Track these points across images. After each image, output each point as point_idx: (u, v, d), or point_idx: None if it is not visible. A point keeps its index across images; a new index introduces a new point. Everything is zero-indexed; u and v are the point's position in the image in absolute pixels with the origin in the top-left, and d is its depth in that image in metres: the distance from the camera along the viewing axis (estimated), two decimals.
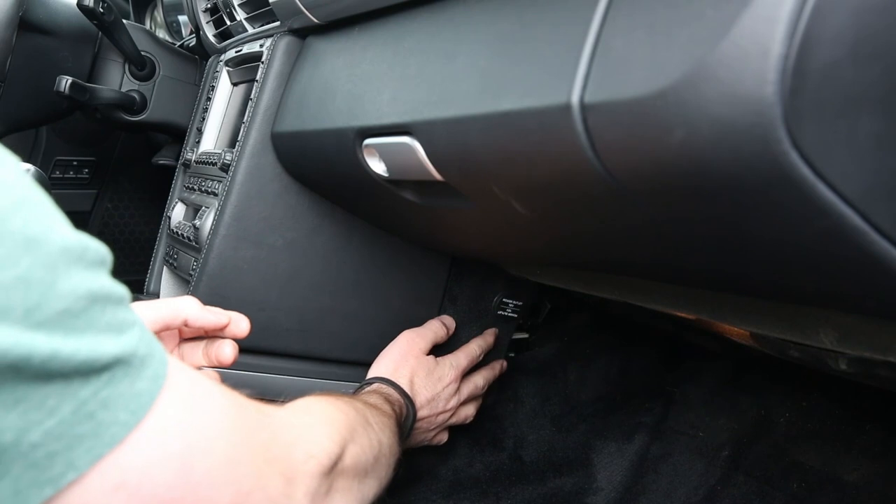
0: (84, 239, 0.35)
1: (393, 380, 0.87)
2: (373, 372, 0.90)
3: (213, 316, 0.67)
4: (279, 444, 0.47)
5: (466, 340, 1.02)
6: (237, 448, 0.42)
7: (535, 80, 0.44)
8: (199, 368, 0.68)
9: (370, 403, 0.74)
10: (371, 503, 0.60)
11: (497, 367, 1.05)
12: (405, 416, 0.84)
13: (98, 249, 0.36)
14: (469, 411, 0.99)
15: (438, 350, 0.97)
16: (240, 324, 0.68)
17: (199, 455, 0.39)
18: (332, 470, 0.52)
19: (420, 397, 0.89)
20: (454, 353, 0.98)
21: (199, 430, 0.39)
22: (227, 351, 0.67)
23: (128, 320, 0.37)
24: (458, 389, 0.95)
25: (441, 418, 0.94)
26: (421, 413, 0.90)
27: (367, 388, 0.85)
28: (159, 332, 0.66)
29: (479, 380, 1.00)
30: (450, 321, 1.01)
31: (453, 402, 0.94)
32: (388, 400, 0.81)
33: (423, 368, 0.92)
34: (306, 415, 0.56)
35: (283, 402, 0.56)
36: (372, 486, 0.60)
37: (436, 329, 0.98)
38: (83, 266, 0.34)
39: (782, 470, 0.93)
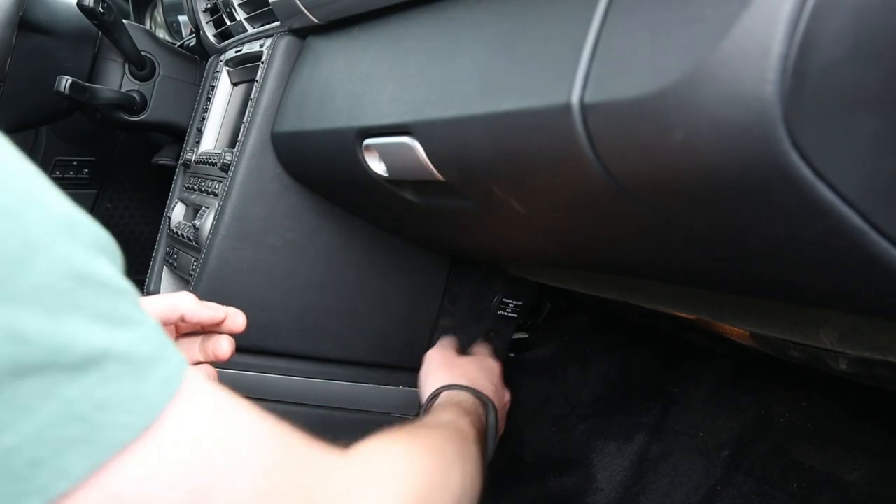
0: (76, 214, 0.32)
1: (459, 384, 0.82)
2: (430, 386, 0.84)
3: (209, 311, 0.65)
4: (328, 490, 0.40)
5: (467, 341, 1.02)
6: (268, 480, 0.36)
7: (535, 80, 0.44)
8: (197, 364, 0.67)
9: (445, 425, 0.68)
10: None
11: None
12: (487, 420, 0.79)
13: (94, 230, 0.32)
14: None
15: None
16: (236, 319, 0.67)
17: (220, 479, 0.34)
18: None
19: (488, 392, 0.84)
20: (483, 344, 0.99)
21: (221, 450, 0.34)
22: (223, 346, 0.65)
23: (132, 316, 0.32)
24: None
25: (504, 411, 0.91)
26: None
27: (437, 403, 0.79)
28: None
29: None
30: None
31: (507, 395, 0.92)
32: (465, 410, 0.75)
33: (474, 365, 0.89)
34: (369, 465, 0.47)
35: (346, 444, 0.48)
36: None
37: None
38: (72, 242, 0.30)
39: (782, 470, 0.93)
